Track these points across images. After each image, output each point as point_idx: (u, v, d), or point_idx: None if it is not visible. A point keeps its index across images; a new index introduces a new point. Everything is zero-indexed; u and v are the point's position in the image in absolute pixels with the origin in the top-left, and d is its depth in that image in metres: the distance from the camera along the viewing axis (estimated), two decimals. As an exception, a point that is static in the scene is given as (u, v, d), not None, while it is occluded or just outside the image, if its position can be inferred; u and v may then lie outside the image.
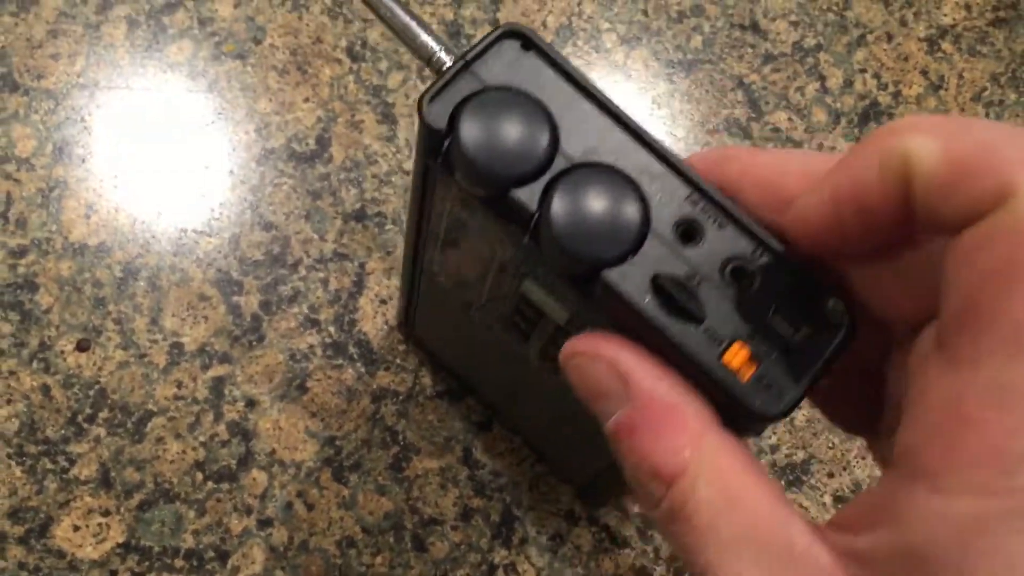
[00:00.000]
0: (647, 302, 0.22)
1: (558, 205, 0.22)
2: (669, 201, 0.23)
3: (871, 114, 0.46)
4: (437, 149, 0.23)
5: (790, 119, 0.46)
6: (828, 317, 0.22)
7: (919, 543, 0.17)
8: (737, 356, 0.21)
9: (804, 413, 0.42)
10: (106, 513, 0.39)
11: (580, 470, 0.38)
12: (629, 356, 0.22)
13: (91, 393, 0.40)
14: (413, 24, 0.26)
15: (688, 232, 0.23)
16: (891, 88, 0.46)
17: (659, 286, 0.22)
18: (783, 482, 0.42)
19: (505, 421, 0.41)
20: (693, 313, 0.22)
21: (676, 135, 0.45)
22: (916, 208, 0.18)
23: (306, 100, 0.45)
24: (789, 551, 0.19)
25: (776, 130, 0.46)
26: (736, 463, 0.20)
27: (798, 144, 0.45)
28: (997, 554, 0.16)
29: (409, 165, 0.44)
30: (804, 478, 0.42)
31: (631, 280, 0.22)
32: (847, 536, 0.19)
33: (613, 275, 0.22)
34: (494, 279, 0.28)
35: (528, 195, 0.23)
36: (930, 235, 0.19)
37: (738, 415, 0.21)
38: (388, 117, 0.45)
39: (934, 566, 0.17)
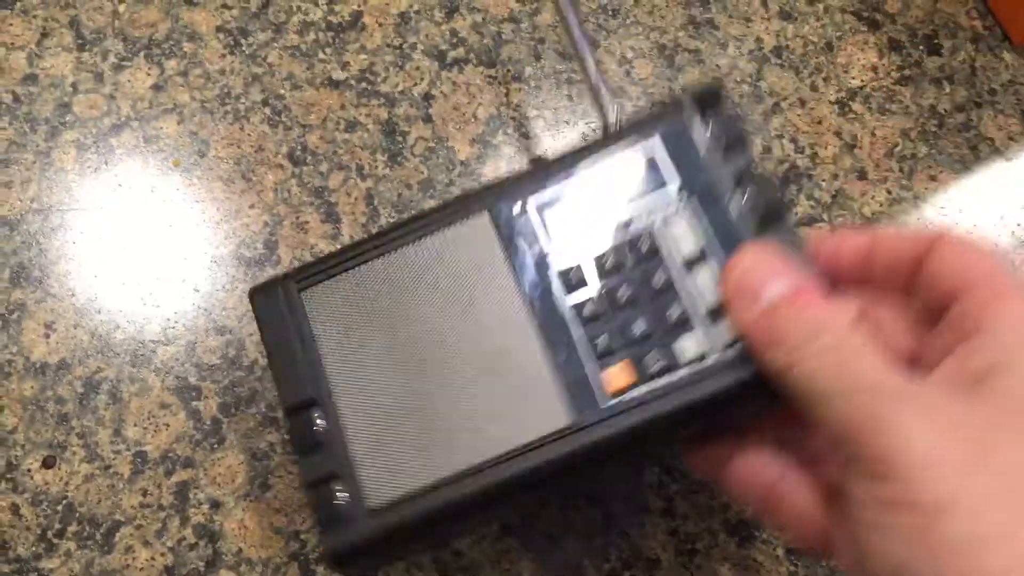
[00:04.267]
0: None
1: None
2: None
3: (791, 177, 0.48)
4: None
5: (715, 188, 0.48)
6: None
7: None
8: None
9: (751, 469, 0.44)
10: (80, 625, 0.40)
11: None
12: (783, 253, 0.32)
13: (59, 508, 0.42)
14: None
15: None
16: (808, 151, 0.49)
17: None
18: (736, 539, 0.43)
19: None
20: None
21: (608, 211, 0.48)
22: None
23: (252, 206, 0.47)
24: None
25: (702, 199, 0.48)
26: (858, 323, 0.29)
27: (724, 211, 0.48)
28: None
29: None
30: (756, 533, 0.43)
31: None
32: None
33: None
34: None
35: None
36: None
37: None
38: (331, 216, 0.47)
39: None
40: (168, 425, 0.43)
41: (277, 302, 0.37)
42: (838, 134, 0.49)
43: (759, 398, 0.34)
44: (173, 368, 0.44)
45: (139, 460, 0.42)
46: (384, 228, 0.40)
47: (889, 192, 0.48)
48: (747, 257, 0.32)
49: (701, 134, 0.36)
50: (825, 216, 0.48)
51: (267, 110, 0.49)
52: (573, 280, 0.36)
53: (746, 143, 0.36)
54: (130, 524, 0.42)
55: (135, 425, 0.43)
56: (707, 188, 0.36)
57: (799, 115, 0.50)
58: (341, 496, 0.35)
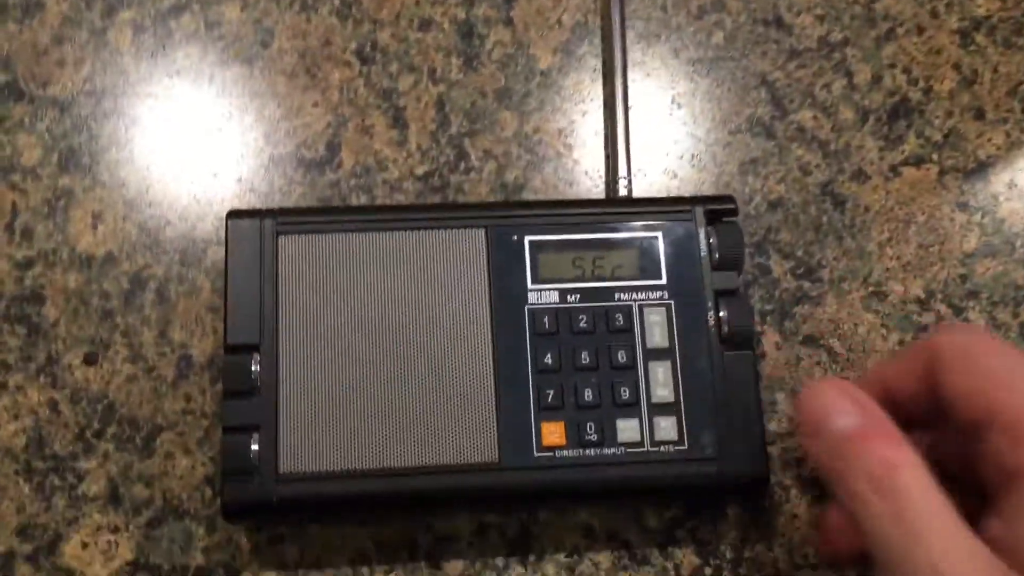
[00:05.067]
0: None
1: None
2: None
3: (901, 111, 0.44)
4: None
5: (815, 117, 0.44)
6: None
7: None
8: None
9: (831, 424, 0.41)
10: (115, 530, 0.38)
11: None
12: (858, 390, 0.31)
13: (99, 408, 0.40)
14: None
15: None
16: (922, 83, 0.44)
17: None
18: (809, 496, 0.40)
19: None
20: None
21: (697, 135, 0.44)
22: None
23: (315, 105, 0.44)
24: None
25: (801, 129, 0.44)
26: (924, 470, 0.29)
27: (823, 143, 0.44)
28: None
29: (421, 170, 0.43)
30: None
31: None
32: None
33: None
34: None
35: None
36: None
37: None
38: (399, 121, 0.44)
39: None
40: (216, 330, 0.41)
41: (253, 235, 0.37)
42: (957, 67, 0.45)
43: (682, 499, 0.38)
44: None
45: (184, 364, 0.40)
46: (382, 205, 0.41)
47: (1008, 135, 0.44)
48: (819, 389, 0.32)
49: (703, 242, 0.38)
50: (935, 156, 0.43)
51: (337, 1, 0.45)
52: (544, 326, 0.37)
53: (740, 263, 0.38)
54: (171, 430, 0.40)
55: (182, 328, 0.41)
56: (691, 294, 0.38)
57: (915, 43, 0.45)
58: (255, 450, 0.35)
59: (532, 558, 0.39)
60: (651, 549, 0.39)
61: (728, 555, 0.39)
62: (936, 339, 0.31)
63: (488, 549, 0.39)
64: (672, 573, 0.39)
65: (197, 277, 0.41)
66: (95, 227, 0.42)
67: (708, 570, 0.39)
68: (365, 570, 0.38)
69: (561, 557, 0.39)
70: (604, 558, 0.39)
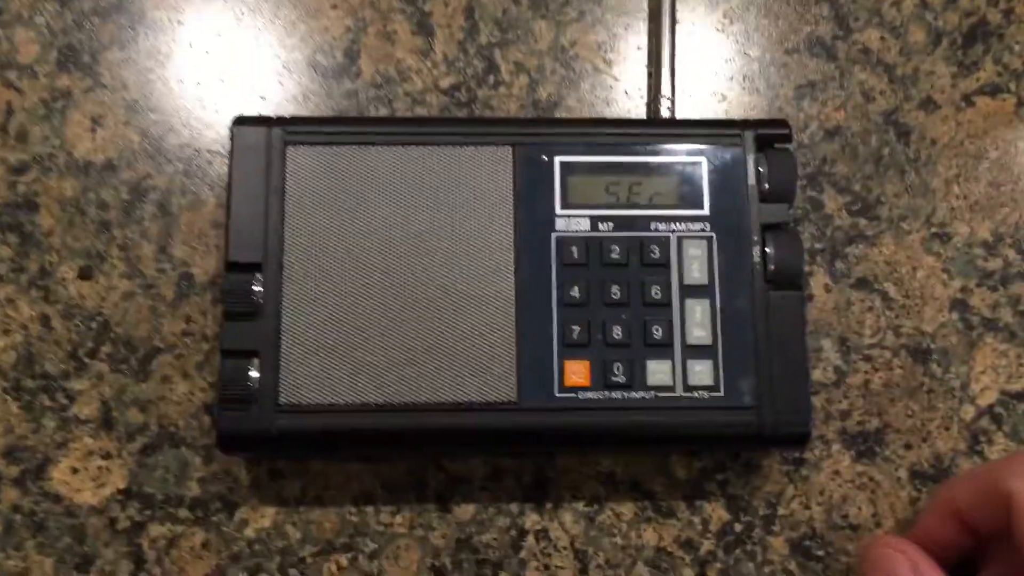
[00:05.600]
0: None
1: None
2: None
3: (978, 34, 0.40)
4: None
5: (882, 38, 0.40)
6: None
7: None
8: None
9: (881, 376, 0.38)
10: (107, 456, 0.36)
11: None
12: (921, 557, 0.31)
13: (93, 325, 0.37)
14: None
15: None
16: (1003, 4, 0.40)
17: None
18: (853, 452, 0.37)
19: None
20: None
21: (749, 54, 0.40)
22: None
23: (334, 7, 0.40)
24: None
25: (865, 51, 0.40)
26: None
27: (889, 67, 0.39)
28: None
29: (446, 83, 0.39)
30: (878, 449, 0.37)
31: None
32: None
33: None
34: None
35: None
36: None
37: None
38: (424, 28, 0.40)
39: None
40: (219, 248, 0.38)
41: (260, 144, 0.34)
42: (1044, -13, 0.40)
43: (714, 450, 0.36)
44: (230, 184, 0.38)
45: (185, 283, 0.38)
46: (400, 117, 0.38)
47: (1098, 65, 0.39)
48: (883, 553, 0.32)
49: (751, 170, 0.35)
50: (1013, 86, 0.39)
51: None
52: (571, 255, 0.34)
53: (792, 195, 0.35)
54: (170, 352, 0.37)
55: (183, 243, 0.38)
56: (735, 227, 0.34)
57: (999, -41, 0.41)
58: (255, 377, 0.33)
59: (548, 505, 0.36)
60: (677, 501, 0.37)
61: (761, 511, 0.37)
62: (1014, 486, 0.30)
63: (502, 493, 0.36)
64: (699, 527, 0.36)
65: (201, 189, 0.38)
66: (94, 131, 0.39)
67: (738, 526, 0.36)
68: (370, 509, 0.36)
69: (580, 506, 0.36)
70: (626, 508, 0.36)
